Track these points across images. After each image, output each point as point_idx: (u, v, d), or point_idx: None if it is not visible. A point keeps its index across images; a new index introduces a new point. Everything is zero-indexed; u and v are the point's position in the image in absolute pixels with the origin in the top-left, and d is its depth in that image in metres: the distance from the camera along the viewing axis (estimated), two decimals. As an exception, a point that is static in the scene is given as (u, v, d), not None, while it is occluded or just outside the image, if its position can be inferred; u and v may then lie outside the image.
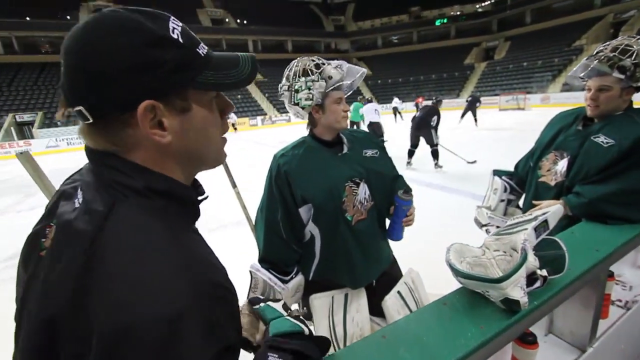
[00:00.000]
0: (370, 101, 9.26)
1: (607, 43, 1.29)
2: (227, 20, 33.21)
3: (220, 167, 1.46)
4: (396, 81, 31.27)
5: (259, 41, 33.87)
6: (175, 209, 0.45)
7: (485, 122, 13.02)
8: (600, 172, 1.26)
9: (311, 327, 1.28)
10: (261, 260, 1.25)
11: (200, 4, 33.18)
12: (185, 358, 0.34)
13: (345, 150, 1.23)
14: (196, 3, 32.98)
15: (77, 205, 0.42)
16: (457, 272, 0.78)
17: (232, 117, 20.55)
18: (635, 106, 1.31)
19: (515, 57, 27.15)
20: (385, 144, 10.39)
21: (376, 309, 1.27)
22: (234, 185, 1.48)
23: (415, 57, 33.91)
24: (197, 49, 0.45)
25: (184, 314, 0.35)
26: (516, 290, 0.68)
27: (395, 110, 17.39)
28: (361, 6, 39.06)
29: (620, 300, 1.29)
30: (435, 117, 6.11)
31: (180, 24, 0.45)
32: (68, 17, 26.30)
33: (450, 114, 16.93)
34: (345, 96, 1.21)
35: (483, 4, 33.72)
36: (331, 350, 0.65)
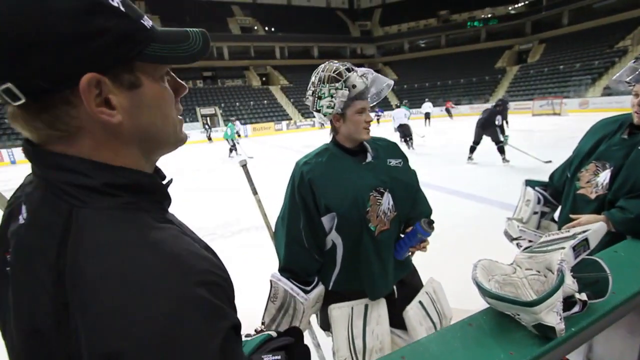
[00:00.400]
0: (399, 106, 10.30)
1: None
2: (255, 28, 34.11)
3: (241, 172, 1.49)
4: (423, 86, 30.68)
5: (285, 47, 34.48)
6: (144, 202, 0.41)
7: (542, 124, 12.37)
8: (649, 186, 1.15)
9: (329, 338, 1.27)
10: (282, 270, 1.24)
11: (230, 13, 34.32)
12: (195, 349, 0.32)
13: (369, 158, 1.20)
14: (227, 12, 34.15)
15: (21, 221, 0.38)
16: (484, 292, 0.73)
17: (237, 125, 20.80)
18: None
19: (551, 60, 25.86)
20: (422, 140, 10.70)
21: (397, 320, 1.22)
22: (255, 192, 1.48)
23: (443, 61, 33.13)
24: (142, 20, 0.40)
25: (178, 310, 0.32)
26: (551, 316, 0.62)
27: (428, 115, 16.98)
28: (388, 11, 38.82)
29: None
30: (499, 117, 6.77)
31: None
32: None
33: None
34: (373, 105, 1.19)
35: (516, 6, 32.48)
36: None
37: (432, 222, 1.13)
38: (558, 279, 0.63)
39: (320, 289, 1.23)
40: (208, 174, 8.79)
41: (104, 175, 0.38)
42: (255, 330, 0.65)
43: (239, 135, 13.39)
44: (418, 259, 1.36)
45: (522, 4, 31.87)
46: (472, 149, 7.22)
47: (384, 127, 13.58)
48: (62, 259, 0.33)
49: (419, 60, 35.11)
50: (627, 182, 1.20)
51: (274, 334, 0.61)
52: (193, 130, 20.93)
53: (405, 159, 1.28)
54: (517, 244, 1.57)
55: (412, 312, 1.21)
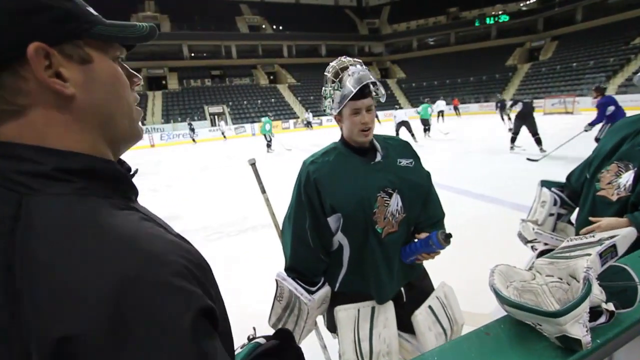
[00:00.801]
0: (402, 108, 11.58)
1: None
2: (263, 26, 34.17)
3: (250, 171, 1.47)
4: (431, 84, 30.37)
5: (293, 46, 34.48)
6: (101, 188, 0.39)
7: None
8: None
9: (336, 340, 1.24)
10: (288, 270, 1.22)
11: (239, 12, 34.44)
12: (150, 332, 0.30)
13: (378, 158, 1.16)
14: (235, 11, 34.28)
15: None
16: (502, 300, 0.69)
17: (222, 126, 20.51)
18: None
19: (563, 57, 25.34)
20: (448, 136, 11.05)
21: (405, 324, 1.19)
22: (263, 191, 1.46)
23: (453, 59, 32.75)
24: (87, 7, 0.42)
25: (131, 292, 0.31)
26: (577, 328, 0.58)
27: (441, 113, 17.15)
28: (396, 9, 38.52)
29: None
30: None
31: None
32: (119, 27, 28.35)
33: (492, 118, 16.12)
34: (382, 102, 1.15)
35: (528, 3, 31.88)
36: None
37: (450, 235, 1.05)
38: (585, 288, 0.59)
39: (326, 290, 1.20)
40: (215, 171, 8.84)
41: (54, 160, 0.36)
42: (248, 338, 0.63)
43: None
44: (428, 262, 1.32)
45: (534, 0, 31.26)
46: (513, 139, 7.89)
47: (385, 126, 13.48)
48: (10, 248, 0.32)
49: (427, 58, 34.77)
50: (652, 184, 1.14)
51: (262, 340, 0.59)
52: (202, 129, 21.10)
53: (417, 158, 1.23)
54: (532, 247, 1.51)
55: (421, 316, 1.17)
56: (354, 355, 1.13)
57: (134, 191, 0.46)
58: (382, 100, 1.15)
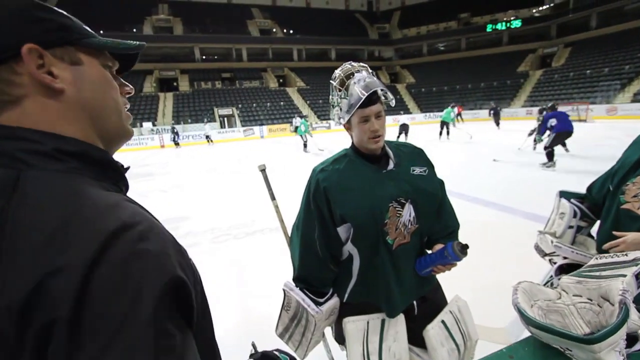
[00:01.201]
0: (411, 113, 12.75)
1: None
2: (274, 30, 34.45)
3: (260, 177, 1.45)
4: (441, 89, 30.17)
5: (303, 50, 34.67)
6: (92, 171, 0.44)
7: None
8: None
9: (344, 352, 1.20)
10: (296, 279, 1.18)
11: (250, 16, 34.81)
12: (117, 300, 0.32)
13: (391, 166, 1.11)
14: (247, 15, 34.66)
15: None
16: (528, 320, 0.65)
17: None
18: None
19: (577, 64, 24.94)
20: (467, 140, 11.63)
21: (416, 338, 1.14)
22: (273, 198, 1.44)
23: (463, 64, 32.51)
24: (84, 26, 0.49)
25: (101, 256, 0.33)
26: (613, 356, 0.54)
27: (457, 117, 17.47)
28: (407, 14, 38.49)
29: None
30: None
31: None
32: (134, 30, 28.92)
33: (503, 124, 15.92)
34: (392, 107, 1.12)
35: (541, 9, 31.53)
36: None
37: (466, 246, 1.00)
38: (622, 313, 0.55)
39: (334, 301, 1.16)
40: (224, 173, 8.87)
41: (54, 142, 0.42)
42: (253, 346, 0.62)
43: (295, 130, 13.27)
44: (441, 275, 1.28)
45: (547, 6, 30.90)
46: (536, 141, 8.48)
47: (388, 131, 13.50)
48: (5, 212, 0.36)
49: (437, 63, 34.57)
50: (682, 198, 1.08)
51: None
52: (211, 131, 21.27)
53: (431, 166, 1.18)
54: (550, 260, 1.46)
55: (433, 331, 1.12)
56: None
57: (124, 182, 0.51)
58: (392, 104, 1.11)
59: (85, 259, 0.32)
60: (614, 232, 1.20)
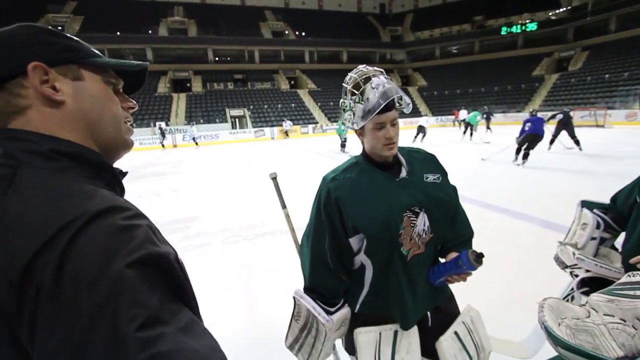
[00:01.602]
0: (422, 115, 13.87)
1: None
2: (286, 32, 34.68)
3: (271, 185, 1.44)
4: (454, 93, 29.85)
5: (315, 52, 34.79)
6: (84, 170, 0.48)
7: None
8: None
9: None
10: (307, 290, 1.15)
11: (263, 18, 35.13)
12: (97, 284, 0.35)
13: (403, 174, 1.08)
14: (259, 17, 34.99)
15: None
16: (556, 341, 0.62)
17: (194, 131, 19.80)
18: None
19: (595, 68, 24.36)
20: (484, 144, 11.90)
21: (429, 349, 1.11)
22: (284, 206, 1.42)
23: (476, 68, 32.11)
24: (92, 49, 0.55)
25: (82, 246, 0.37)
26: (652, 383, 0.51)
27: (462, 122, 17.51)
28: (420, 16, 38.24)
29: None
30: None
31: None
32: (150, 32, 29.49)
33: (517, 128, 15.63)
34: (407, 113, 1.07)
35: (557, 12, 30.91)
36: None
37: (482, 255, 0.97)
38: (662, 338, 0.51)
39: (345, 311, 1.13)
40: (235, 174, 8.94)
41: (50, 143, 0.46)
42: None
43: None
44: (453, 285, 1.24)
45: (565, 9, 30.28)
46: (552, 141, 9.50)
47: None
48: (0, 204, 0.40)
49: (450, 66, 34.24)
50: None
51: None
52: (223, 131, 21.53)
53: (444, 173, 1.14)
54: (571, 273, 1.41)
55: (446, 343, 1.09)
56: None
57: (119, 185, 0.55)
58: (406, 111, 1.06)
59: (65, 234, 0.37)
60: (642, 246, 1.15)
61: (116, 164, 0.58)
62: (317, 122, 25.21)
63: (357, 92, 0.99)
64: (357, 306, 1.13)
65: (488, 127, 16.57)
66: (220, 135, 21.07)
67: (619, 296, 0.68)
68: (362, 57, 35.53)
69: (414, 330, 1.11)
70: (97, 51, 0.57)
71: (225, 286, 2.89)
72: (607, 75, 22.43)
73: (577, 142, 9.15)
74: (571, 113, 9.57)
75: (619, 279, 1.24)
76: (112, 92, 0.56)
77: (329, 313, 1.10)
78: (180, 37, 30.08)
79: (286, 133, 22.20)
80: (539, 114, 8.62)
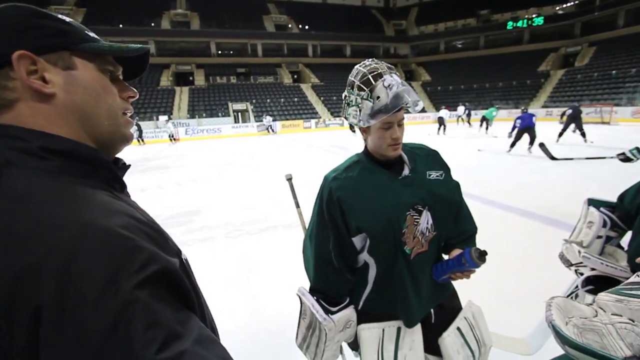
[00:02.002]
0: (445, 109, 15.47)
1: None
2: (289, 25, 34.41)
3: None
4: (458, 88, 29.61)
5: (318, 46, 34.54)
6: (77, 169, 0.45)
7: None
8: None
9: (357, 359, 1.18)
10: (312, 291, 1.15)
11: (266, 11, 34.86)
12: (94, 299, 0.32)
13: (406, 172, 1.06)
14: (263, 10, 34.72)
15: None
16: (564, 340, 0.61)
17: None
18: None
19: (602, 64, 24.06)
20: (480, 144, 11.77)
21: (432, 346, 1.11)
22: (297, 206, 1.42)
23: (481, 63, 31.81)
24: (85, 31, 0.50)
25: (68, 260, 0.33)
26: (661, 384, 0.50)
27: (463, 117, 17.97)
28: (424, 10, 37.81)
29: None
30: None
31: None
32: (152, 25, 29.36)
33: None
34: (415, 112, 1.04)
35: (564, 6, 30.45)
36: None
37: (485, 253, 0.95)
38: (673, 339, 0.51)
39: (349, 311, 1.12)
40: (238, 168, 8.95)
41: (41, 139, 0.43)
42: None
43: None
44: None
45: (572, 3, 29.83)
46: (561, 134, 10.32)
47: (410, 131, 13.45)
48: None
49: (454, 61, 33.93)
50: None
51: None
52: (224, 125, 21.52)
53: (447, 169, 1.13)
54: (576, 271, 1.40)
55: (449, 339, 1.10)
56: None
57: (117, 181, 0.51)
58: (412, 111, 1.02)
59: (62, 249, 0.34)
60: (650, 245, 1.15)
61: (119, 155, 0.56)
62: (319, 117, 25.12)
63: (365, 89, 0.95)
64: (361, 303, 1.13)
65: (468, 122, 18.16)
66: (222, 130, 21.06)
67: (628, 296, 0.67)
68: (366, 51, 35.25)
69: (418, 327, 1.11)
70: (92, 34, 0.51)
71: (227, 280, 2.91)
72: (614, 72, 22.16)
73: (583, 135, 9.91)
74: (581, 107, 10.52)
75: (624, 277, 1.24)
76: (109, 80, 0.51)
77: (330, 312, 1.09)
78: (183, 30, 29.94)
79: (267, 130, 21.23)
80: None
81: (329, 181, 1.07)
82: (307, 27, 34.49)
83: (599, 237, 1.41)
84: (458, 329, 1.13)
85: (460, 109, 18.16)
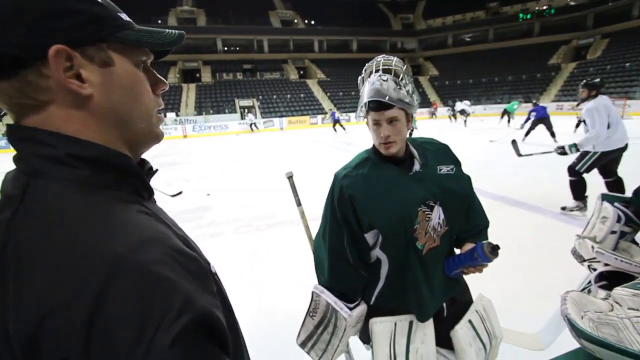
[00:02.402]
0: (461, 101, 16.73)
1: None
2: (295, 21, 34.25)
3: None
4: (466, 82, 29.22)
5: (324, 41, 34.35)
6: (106, 179, 0.40)
7: None
8: None
9: (368, 352, 1.19)
10: (328, 290, 1.16)
11: (272, 6, 34.73)
12: (126, 340, 0.29)
13: (417, 167, 1.06)
14: (269, 5, 34.59)
15: None
16: (579, 333, 0.62)
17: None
18: None
19: (615, 56, 23.48)
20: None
21: (443, 339, 1.12)
22: (299, 204, 1.43)
23: (490, 56, 31.27)
24: (119, 13, 0.44)
25: (107, 287, 0.30)
26: (679, 377, 0.51)
27: (463, 113, 17.23)
28: (432, 4, 37.24)
29: None
30: None
31: None
32: (159, 22, 29.50)
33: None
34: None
35: (577, -3, 29.74)
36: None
37: (497, 247, 0.96)
38: (692, 333, 0.51)
39: (363, 307, 1.14)
40: (245, 164, 9.00)
41: (69, 146, 0.38)
42: None
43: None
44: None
45: (584, -6, 29.11)
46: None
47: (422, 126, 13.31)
48: (9, 228, 0.34)
49: (463, 55, 33.44)
50: None
51: None
52: (231, 122, 21.61)
53: (457, 163, 1.13)
54: (589, 267, 1.39)
55: (461, 332, 1.10)
56: None
57: (146, 188, 0.47)
58: (409, 111, 1.02)
59: (89, 292, 0.30)
60: (666, 241, 1.13)
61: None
62: (326, 113, 25.06)
63: (361, 85, 1.03)
64: (373, 298, 1.14)
65: (455, 118, 18.35)
66: (229, 126, 21.16)
67: (644, 290, 0.67)
68: (373, 46, 34.95)
69: (430, 320, 1.12)
70: (124, 15, 0.44)
71: (237, 275, 2.94)
72: (627, 64, 21.61)
73: (552, 135, 10.00)
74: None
75: (639, 273, 1.22)
76: (143, 75, 0.46)
77: (349, 308, 1.11)
78: (189, 27, 30.01)
79: (251, 127, 20.57)
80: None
81: (339, 179, 1.07)
82: (313, 22, 34.30)
83: (613, 232, 1.39)
84: (470, 321, 1.13)
85: (460, 104, 17.23)
